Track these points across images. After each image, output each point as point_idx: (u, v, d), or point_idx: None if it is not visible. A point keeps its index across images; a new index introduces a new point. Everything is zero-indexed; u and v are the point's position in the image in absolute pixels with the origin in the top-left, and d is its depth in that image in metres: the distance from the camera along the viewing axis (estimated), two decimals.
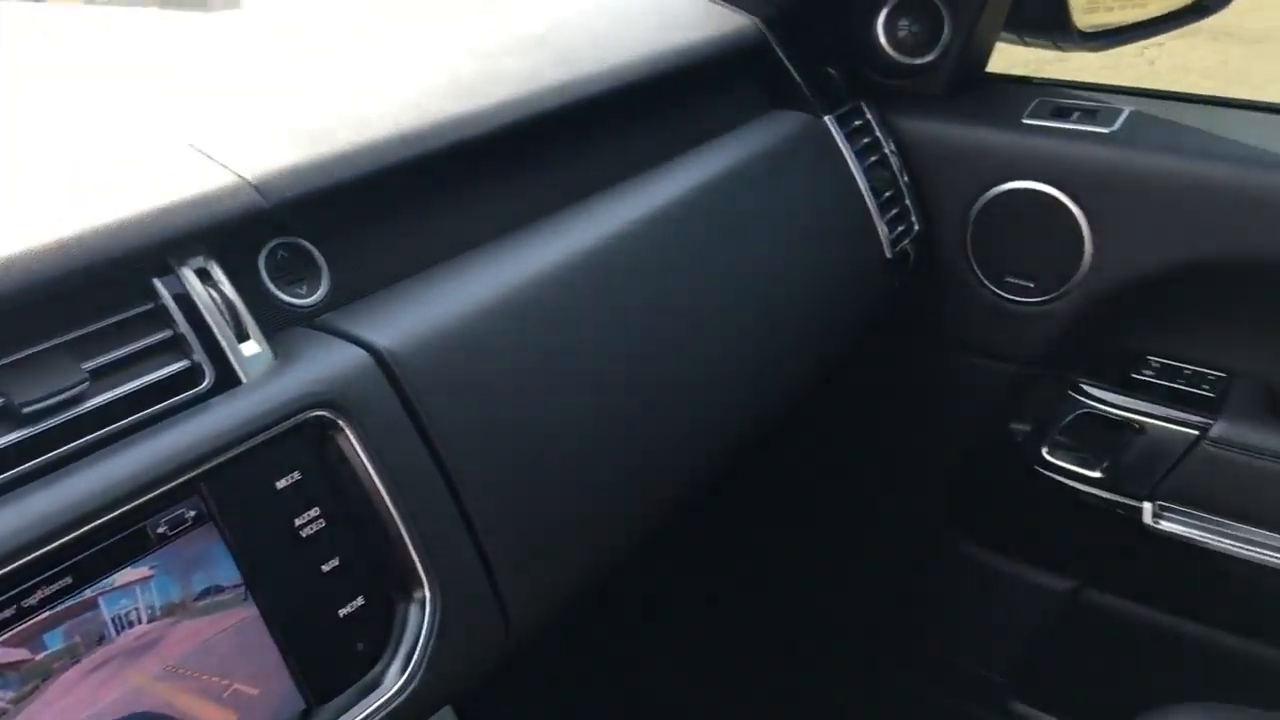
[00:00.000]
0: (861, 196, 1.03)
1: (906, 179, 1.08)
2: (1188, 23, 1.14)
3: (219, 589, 0.55)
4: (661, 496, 0.80)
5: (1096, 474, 1.09)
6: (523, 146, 0.80)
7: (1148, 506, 1.07)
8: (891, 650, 1.33)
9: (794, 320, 0.93)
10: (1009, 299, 1.09)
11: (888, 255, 1.04)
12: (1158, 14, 1.15)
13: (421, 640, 0.60)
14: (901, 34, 1.10)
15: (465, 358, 0.66)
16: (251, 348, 0.59)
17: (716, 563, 1.38)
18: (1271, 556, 1.02)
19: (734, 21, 1.01)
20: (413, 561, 0.60)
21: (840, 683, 1.37)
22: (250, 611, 0.56)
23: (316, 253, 0.67)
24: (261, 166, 0.63)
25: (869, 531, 1.30)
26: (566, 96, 0.82)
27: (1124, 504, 1.08)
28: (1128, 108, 1.05)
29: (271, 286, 0.64)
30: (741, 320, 0.87)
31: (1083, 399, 1.10)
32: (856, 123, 1.07)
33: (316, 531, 0.58)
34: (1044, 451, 1.12)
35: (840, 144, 1.03)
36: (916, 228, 1.08)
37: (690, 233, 0.84)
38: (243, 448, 0.55)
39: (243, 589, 0.55)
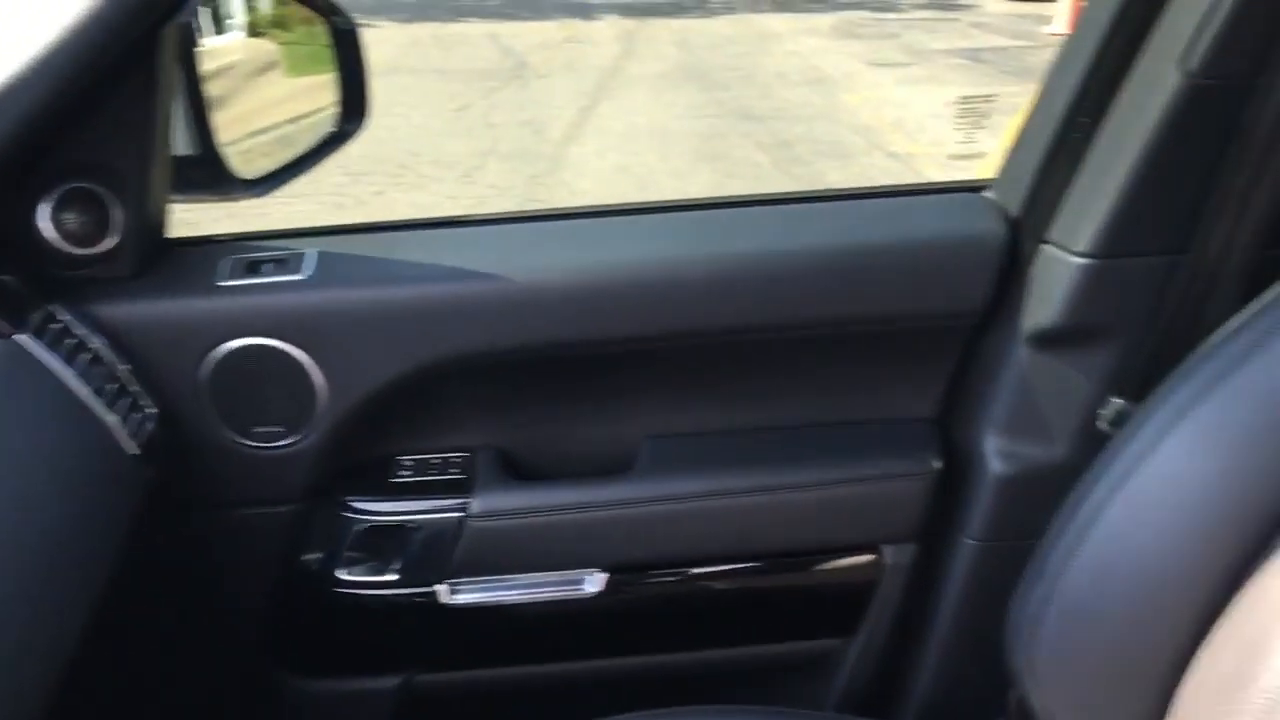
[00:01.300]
0: (84, 404, 0.99)
1: (127, 367, 1.07)
2: (334, 150, 1.26)
3: None
4: None
5: (392, 576, 1.18)
6: None
7: (442, 588, 1.19)
8: None
9: (64, 572, 0.88)
10: (264, 448, 1.13)
11: (135, 451, 1.02)
12: (307, 149, 1.25)
13: None
14: (71, 226, 1.06)
15: None
16: None
17: None
18: (550, 592, 1.20)
19: None
20: None
21: None
22: None
23: None
24: None
25: (202, 708, 1.27)
26: None
27: (422, 593, 1.19)
28: (314, 250, 1.13)
29: None
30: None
31: (358, 516, 1.18)
32: (54, 327, 1.02)
33: None
34: (338, 573, 1.19)
35: (43, 356, 0.99)
36: (153, 410, 1.07)
37: None
38: None
39: None
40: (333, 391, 1.12)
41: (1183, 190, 1.08)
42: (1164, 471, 0.97)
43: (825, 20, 11.81)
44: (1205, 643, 0.99)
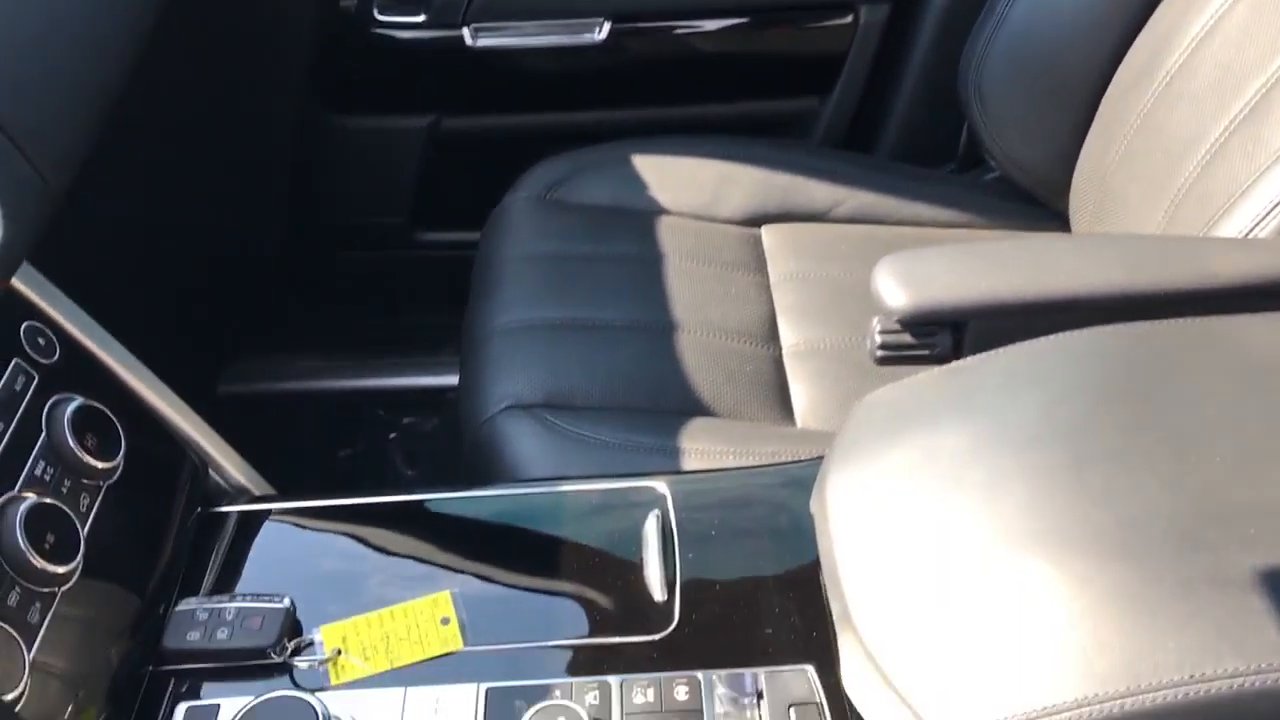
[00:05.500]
0: None
1: None
2: None
3: None
4: None
5: (421, 18, 1.33)
6: None
7: (466, 31, 1.33)
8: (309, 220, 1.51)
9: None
10: None
11: None
12: None
13: None
14: None
15: None
16: None
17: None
18: (563, 38, 1.34)
19: None
20: None
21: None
22: None
23: None
24: None
25: (255, 142, 1.41)
26: None
27: (449, 36, 1.34)
28: None
29: None
30: None
31: None
32: None
33: None
34: (375, 12, 1.33)
35: None
36: None
37: None
38: None
39: None
40: None
41: None
42: None
43: None
44: (1125, 54, 1.15)
